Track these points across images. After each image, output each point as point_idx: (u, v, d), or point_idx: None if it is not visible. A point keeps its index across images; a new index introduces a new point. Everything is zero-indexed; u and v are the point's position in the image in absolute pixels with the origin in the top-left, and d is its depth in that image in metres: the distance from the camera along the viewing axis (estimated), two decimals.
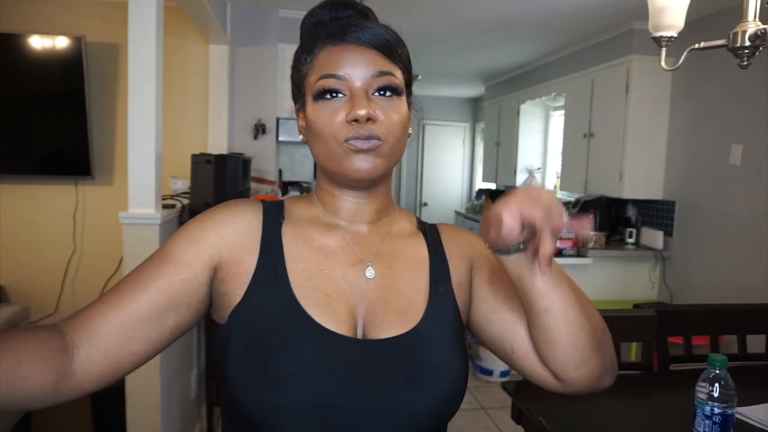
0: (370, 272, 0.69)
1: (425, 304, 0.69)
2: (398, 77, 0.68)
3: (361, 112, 0.63)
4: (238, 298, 0.64)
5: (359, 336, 0.64)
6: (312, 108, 0.67)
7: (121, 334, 0.59)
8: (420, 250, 0.75)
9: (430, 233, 0.78)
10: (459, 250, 0.76)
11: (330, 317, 0.64)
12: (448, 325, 0.69)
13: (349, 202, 0.72)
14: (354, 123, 0.64)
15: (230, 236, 0.66)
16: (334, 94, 0.65)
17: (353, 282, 0.68)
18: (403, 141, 0.69)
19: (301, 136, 0.73)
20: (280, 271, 0.66)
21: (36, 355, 0.54)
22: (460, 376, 0.66)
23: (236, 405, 0.61)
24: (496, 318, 0.71)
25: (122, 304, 0.60)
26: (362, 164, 0.65)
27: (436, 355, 0.65)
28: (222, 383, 0.64)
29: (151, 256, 0.65)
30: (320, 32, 0.68)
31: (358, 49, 0.66)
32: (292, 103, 0.75)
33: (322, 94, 0.66)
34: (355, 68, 0.65)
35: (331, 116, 0.65)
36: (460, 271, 0.75)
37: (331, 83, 0.65)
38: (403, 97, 0.69)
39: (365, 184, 0.69)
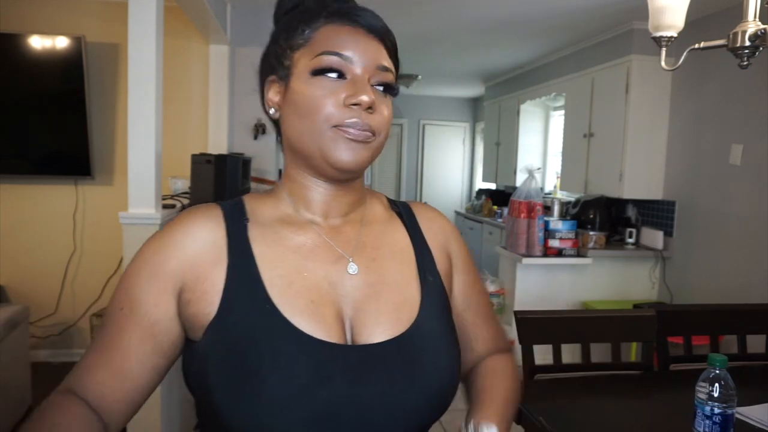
0: (352, 268, 0.64)
1: (419, 297, 0.66)
2: (394, 75, 0.66)
3: (366, 98, 0.60)
4: (210, 316, 0.59)
5: (348, 340, 0.61)
6: (305, 82, 0.61)
7: (126, 392, 0.61)
8: (401, 236, 0.71)
9: (406, 215, 0.74)
10: (438, 239, 0.74)
11: (319, 326, 0.59)
12: (443, 317, 0.68)
13: (321, 194, 0.66)
14: (352, 108, 0.60)
15: (190, 256, 0.61)
16: (335, 74, 0.61)
17: (336, 281, 0.63)
18: (386, 140, 0.67)
19: (272, 110, 0.66)
20: (255, 280, 0.60)
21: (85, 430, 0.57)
22: (458, 369, 0.66)
23: (224, 427, 0.57)
24: (458, 322, 0.73)
25: (112, 368, 0.60)
26: (349, 154, 0.61)
27: (437, 353, 0.63)
28: (202, 403, 0.61)
29: (117, 300, 0.62)
30: (324, 8, 0.64)
31: (367, 35, 0.63)
32: None
33: (323, 71, 0.61)
34: (361, 54, 0.62)
35: (327, 96, 0.60)
36: (442, 261, 0.73)
37: (333, 61, 0.61)
38: (392, 98, 0.67)
39: (344, 176, 0.64)
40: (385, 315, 0.63)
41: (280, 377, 0.56)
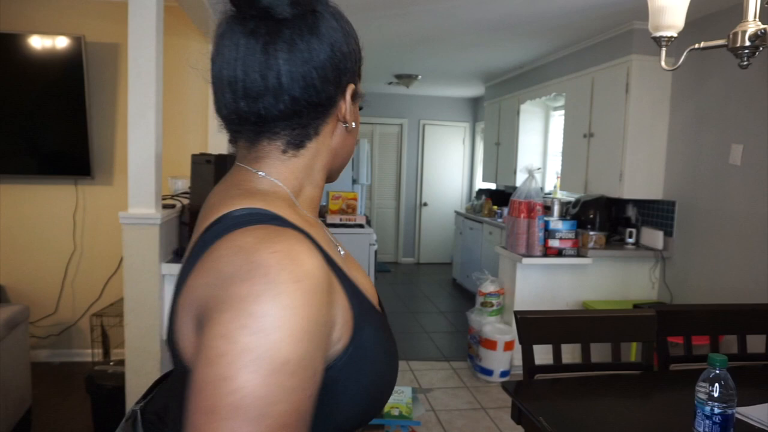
0: (342, 252, 0.72)
1: None
2: None
3: None
4: (347, 341, 0.58)
5: None
6: (356, 109, 0.69)
7: None
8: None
9: None
10: None
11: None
12: None
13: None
14: None
15: (333, 291, 0.56)
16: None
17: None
18: None
19: (352, 124, 0.69)
20: (356, 288, 0.62)
21: None
22: None
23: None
24: None
25: None
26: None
27: None
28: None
29: (291, 373, 0.48)
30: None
31: None
32: None
33: (359, 108, 0.71)
34: None
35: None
36: None
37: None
38: None
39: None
40: (373, 288, 0.74)
41: (393, 365, 0.66)
